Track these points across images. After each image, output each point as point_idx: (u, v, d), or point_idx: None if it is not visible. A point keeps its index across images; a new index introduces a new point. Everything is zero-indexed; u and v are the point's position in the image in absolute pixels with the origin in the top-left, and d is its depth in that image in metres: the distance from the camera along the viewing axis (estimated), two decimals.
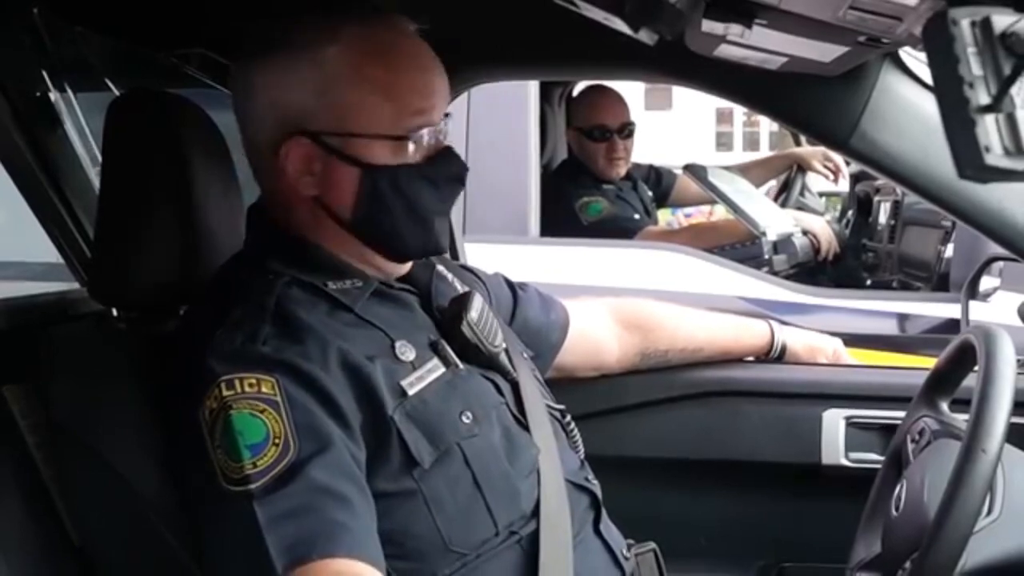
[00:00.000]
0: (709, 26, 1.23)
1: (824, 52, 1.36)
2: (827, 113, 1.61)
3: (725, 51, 1.39)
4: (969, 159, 0.80)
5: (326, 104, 1.38)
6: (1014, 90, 0.80)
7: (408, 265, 1.50)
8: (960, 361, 1.54)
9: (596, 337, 1.92)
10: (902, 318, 2.83)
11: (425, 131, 1.40)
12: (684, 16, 1.06)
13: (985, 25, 0.81)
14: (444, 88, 1.44)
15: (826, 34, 1.25)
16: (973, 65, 0.80)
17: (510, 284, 1.79)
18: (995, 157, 0.80)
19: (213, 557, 1.28)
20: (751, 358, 2.05)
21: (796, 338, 2.05)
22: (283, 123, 1.39)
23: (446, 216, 1.47)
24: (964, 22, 0.81)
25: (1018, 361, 1.39)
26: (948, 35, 0.80)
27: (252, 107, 1.42)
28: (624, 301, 1.98)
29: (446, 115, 1.45)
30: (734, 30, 1.23)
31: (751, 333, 2.05)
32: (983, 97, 0.80)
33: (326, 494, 1.23)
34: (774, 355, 2.02)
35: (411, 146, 1.39)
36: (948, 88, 0.81)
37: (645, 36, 1.05)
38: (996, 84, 0.80)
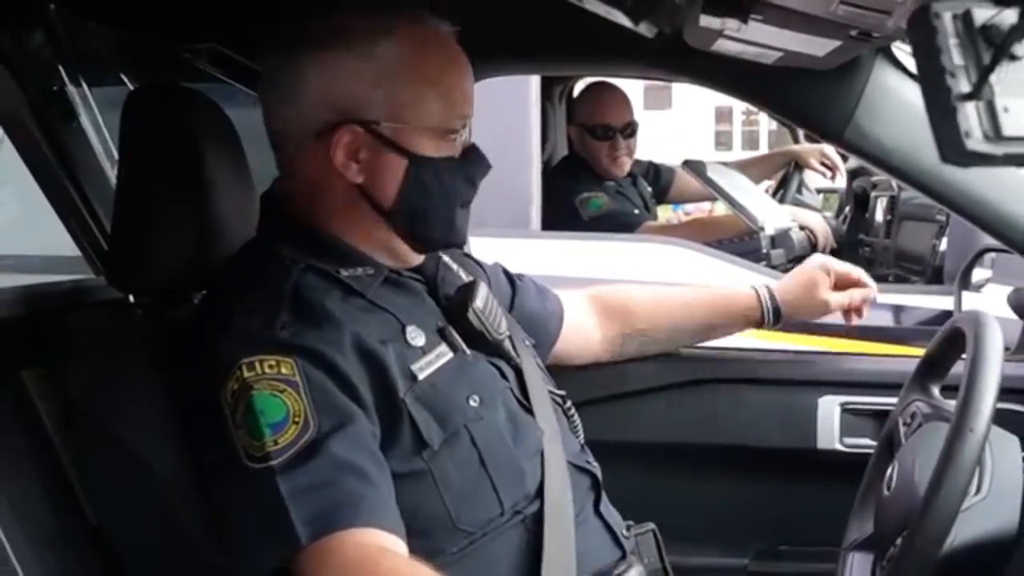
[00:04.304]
0: (707, 21, 1.28)
1: (818, 46, 1.40)
2: (822, 106, 1.65)
3: (722, 46, 1.43)
4: (951, 145, 0.84)
5: (380, 95, 1.42)
6: (993, 78, 0.85)
7: (422, 256, 1.55)
8: (950, 347, 1.58)
9: (583, 326, 1.95)
10: (897, 310, 2.86)
11: (464, 128, 1.47)
12: (682, 10, 1.10)
13: (966, 17, 0.85)
14: (473, 92, 1.51)
15: (819, 29, 1.30)
16: (955, 55, 0.84)
17: (507, 274, 1.84)
18: (975, 142, 0.84)
19: (237, 533, 1.31)
20: (750, 338, 2.06)
21: (787, 289, 1.97)
22: (334, 112, 1.43)
23: (467, 211, 1.53)
24: (946, 15, 0.85)
25: (1005, 348, 1.43)
26: (931, 27, 0.85)
27: (299, 96, 1.44)
28: (601, 288, 2.01)
29: None
30: (731, 25, 1.28)
31: (735, 302, 1.98)
32: (964, 86, 0.84)
33: (346, 468, 1.28)
34: (768, 320, 1.96)
35: (444, 140, 1.45)
36: (931, 77, 0.85)
37: (645, 29, 1.09)
38: (976, 73, 0.84)
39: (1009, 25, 0.84)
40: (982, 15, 0.85)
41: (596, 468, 1.62)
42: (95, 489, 1.46)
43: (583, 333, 1.95)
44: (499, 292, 1.76)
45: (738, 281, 2.92)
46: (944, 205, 1.70)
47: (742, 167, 3.90)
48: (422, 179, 1.45)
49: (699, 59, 1.52)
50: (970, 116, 0.84)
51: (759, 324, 1.97)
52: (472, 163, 1.50)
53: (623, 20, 1.07)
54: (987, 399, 1.33)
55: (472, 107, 1.49)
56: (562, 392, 1.67)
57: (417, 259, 1.54)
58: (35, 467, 1.45)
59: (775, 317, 1.96)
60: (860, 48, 1.44)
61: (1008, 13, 0.85)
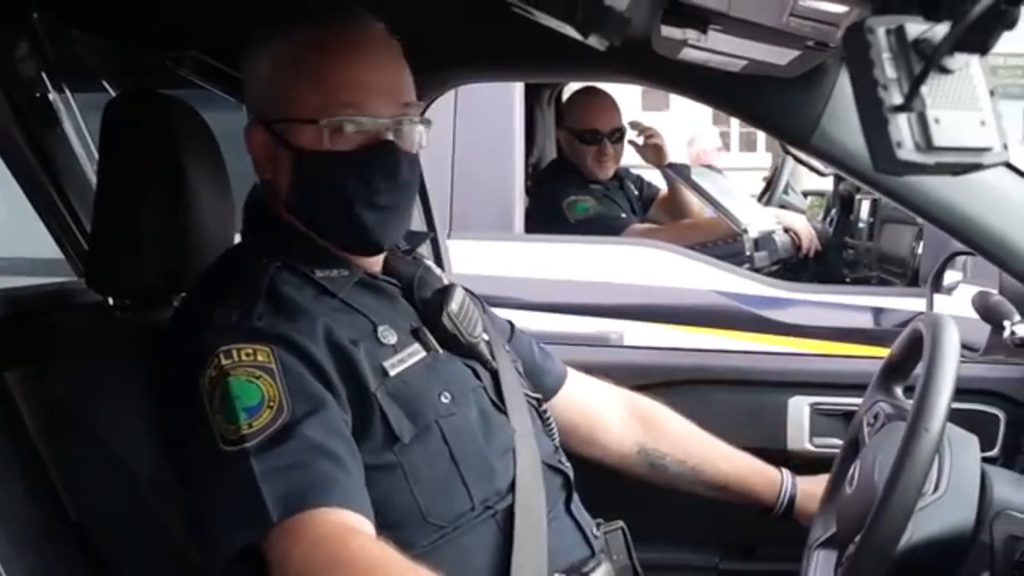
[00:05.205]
0: (668, 31, 1.31)
1: (779, 55, 1.43)
2: (789, 113, 1.67)
3: (689, 54, 1.46)
4: (883, 154, 0.88)
5: (273, 92, 1.49)
6: (925, 90, 0.88)
7: (376, 259, 1.57)
8: (911, 349, 1.60)
9: (597, 413, 1.88)
10: (876, 312, 2.89)
11: (352, 121, 1.45)
12: (631, 23, 1.13)
13: (900, 32, 0.89)
14: (389, 85, 1.49)
15: (777, 38, 1.32)
16: (887, 69, 0.88)
17: (511, 324, 1.84)
18: (906, 152, 0.87)
19: (211, 514, 1.35)
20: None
21: (813, 491, 1.79)
22: (252, 111, 1.52)
23: (382, 212, 1.49)
24: (880, 30, 0.88)
25: (973, 350, 1.46)
26: (865, 41, 0.88)
27: (246, 98, 1.54)
28: (640, 396, 1.92)
29: (422, 118, 1.54)
30: (691, 35, 1.31)
31: (759, 478, 1.85)
32: (896, 98, 0.87)
33: (318, 451, 1.32)
34: (778, 511, 1.83)
35: (326, 133, 1.45)
36: (864, 90, 0.88)
37: (595, 41, 1.13)
38: (908, 85, 0.87)
39: (941, 38, 0.87)
40: (915, 30, 0.88)
41: (568, 468, 1.65)
42: (76, 487, 1.49)
43: (593, 418, 1.87)
44: (497, 324, 1.77)
45: (718, 284, 2.98)
46: (910, 210, 1.72)
47: None
48: (306, 174, 1.48)
49: (669, 66, 1.54)
50: (902, 127, 0.87)
51: (768, 509, 1.84)
52: (368, 160, 1.46)
53: (572, 33, 1.10)
54: (942, 399, 1.35)
55: (370, 102, 1.46)
56: (539, 395, 1.70)
57: (370, 263, 1.56)
58: (17, 466, 1.48)
59: (787, 506, 1.83)
60: (820, 57, 1.46)
61: (940, 28, 0.88)
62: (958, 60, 0.89)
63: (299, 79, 1.47)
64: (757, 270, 3.28)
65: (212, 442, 1.34)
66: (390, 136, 1.48)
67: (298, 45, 1.48)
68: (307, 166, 1.48)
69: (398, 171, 1.49)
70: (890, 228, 3.31)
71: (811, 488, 1.80)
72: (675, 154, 3.86)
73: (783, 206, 4.09)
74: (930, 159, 0.88)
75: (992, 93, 0.94)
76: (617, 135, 3.63)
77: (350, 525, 1.29)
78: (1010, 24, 0.86)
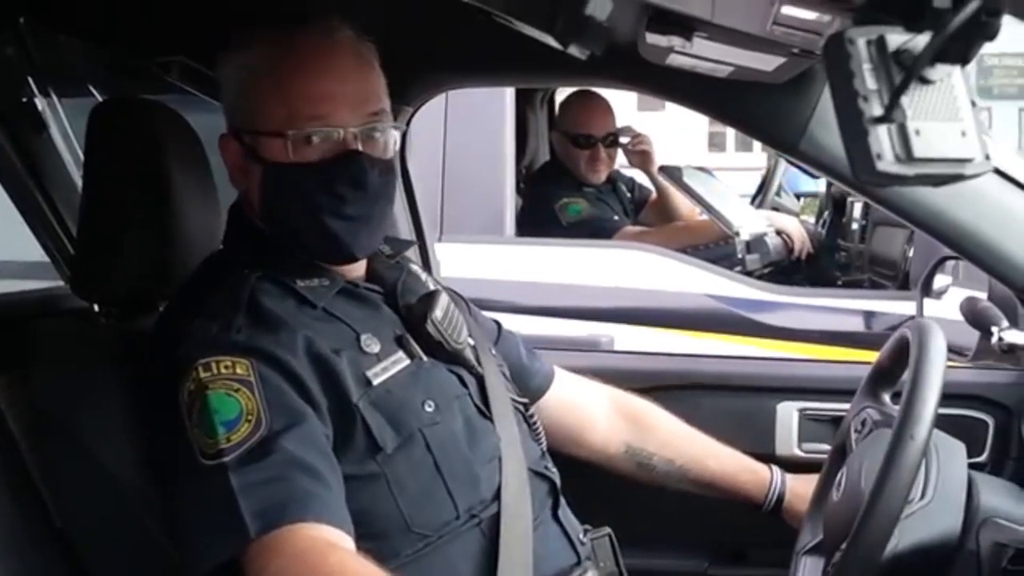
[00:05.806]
0: (653, 39, 1.31)
1: (765, 62, 1.43)
2: (777, 118, 1.67)
3: (676, 60, 1.45)
4: (862, 165, 0.88)
5: (240, 103, 1.49)
6: (906, 101, 0.88)
7: (358, 267, 1.56)
8: (899, 355, 1.60)
9: (585, 412, 1.87)
10: (867, 315, 2.90)
11: (317, 133, 1.44)
12: (612, 32, 1.13)
13: (880, 43, 0.88)
14: (356, 95, 1.47)
15: (762, 46, 1.32)
16: (868, 80, 0.88)
17: (497, 324, 1.83)
18: (886, 164, 0.87)
19: (190, 528, 1.34)
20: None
21: (802, 490, 1.79)
22: (227, 121, 1.52)
23: (353, 221, 1.48)
24: (860, 40, 0.88)
25: (962, 354, 1.45)
26: (845, 53, 0.88)
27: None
28: (628, 395, 1.91)
29: (394, 123, 1.53)
30: (677, 42, 1.30)
31: (748, 475, 1.84)
32: (876, 109, 0.87)
33: (297, 465, 1.31)
34: (767, 508, 1.82)
35: (291, 145, 1.44)
36: (844, 101, 0.88)
37: (576, 51, 1.13)
38: (889, 96, 0.87)
39: (921, 49, 0.87)
40: (895, 40, 0.88)
41: (555, 474, 1.64)
42: (60, 493, 1.48)
43: (581, 418, 1.86)
44: (483, 325, 1.77)
45: (710, 287, 2.98)
46: (898, 215, 1.72)
47: None
48: (274, 186, 1.48)
49: (656, 72, 1.54)
50: (882, 138, 0.87)
51: (757, 507, 1.83)
52: (334, 170, 1.45)
53: (552, 43, 1.10)
54: (928, 406, 1.35)
55: (336, 112, 1.45)
56: (525, 400, 1.69)
57: (351, 270, 1.55)
58: (2, 471, 1.47)
59: (775, 503, 1.82)
60: (806, 64, 1.46)
61: (921, 39, 0.87)
62: (939, 71, 0.89)
63: (264, 91, 1.46)
64: (749, 273, 3.28)
65: (191, 455, 1.33)
66: (358, 145, 1.46)
67: (262, 56, 1.47)
68: (275, 178, 1.47)
69: (366, 180, 1.47)
70: (882, 231, 3.32)
71: (800, 487, 1.80)
72: (669, 156, 3.86)
73: (776, 208, 4.08)
74: (910, 170, 0.88)
75: (974, 104, 0.94)
76: (611, 139, 3.63)
77: (329, 540, 1.29)
78: (991, 35, 0.86)
